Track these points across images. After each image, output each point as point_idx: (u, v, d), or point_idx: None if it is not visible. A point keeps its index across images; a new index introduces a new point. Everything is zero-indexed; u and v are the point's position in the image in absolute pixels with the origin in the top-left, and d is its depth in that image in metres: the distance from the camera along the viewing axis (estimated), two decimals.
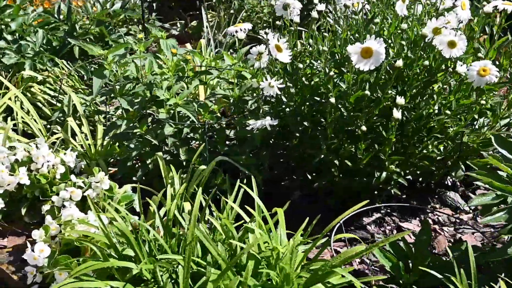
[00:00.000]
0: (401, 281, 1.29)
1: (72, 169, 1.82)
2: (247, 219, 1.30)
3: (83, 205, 1.64)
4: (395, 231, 1.76)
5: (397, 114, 1.43)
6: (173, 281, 1.14)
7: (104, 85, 1.88)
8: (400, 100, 1.42)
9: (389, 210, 1.85)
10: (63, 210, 1.46)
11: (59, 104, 2.55)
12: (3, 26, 2.90)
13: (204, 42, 3.04)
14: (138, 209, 1.63)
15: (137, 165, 1.96)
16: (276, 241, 1.24)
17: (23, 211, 1.73)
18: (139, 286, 1.16)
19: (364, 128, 1.50)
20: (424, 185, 1.93)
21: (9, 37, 2.83)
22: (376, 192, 1.83)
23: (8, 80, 2.70)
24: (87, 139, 2.15)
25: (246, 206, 1.36)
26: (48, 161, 1.73)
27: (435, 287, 1.24)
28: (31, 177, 1.69)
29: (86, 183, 1.61)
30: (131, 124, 1.72)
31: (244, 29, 2.05)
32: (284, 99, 1.69)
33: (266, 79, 1.57)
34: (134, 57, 1.80)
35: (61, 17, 3.21)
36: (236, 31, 2.06)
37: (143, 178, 1.85)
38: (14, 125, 2.38)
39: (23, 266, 1.57)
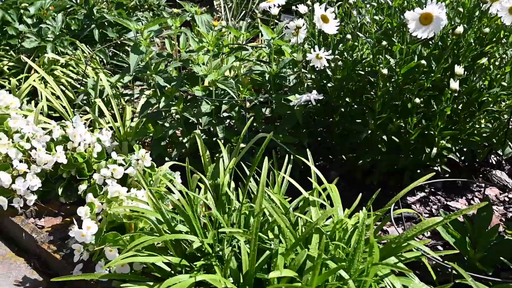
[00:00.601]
0: (465, 257, 1.24)
1: (106, 148, 1.77)
2: (305, 192, 1.25)
3: (122, 183, 1.59)
4: (441, 210, 1.71)
5: (454, 85, 1.37)
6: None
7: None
8: (459, 70, 1.36)
9: (433, 189, 1.79)
10: (110, 187, 1.41)
11: (82, 88, 2.49)
12: (22, 11, 2.83)
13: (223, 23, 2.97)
14: (178, 187, 1.58)
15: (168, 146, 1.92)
16: (336, 213, 1.18)
17: (60, 191, 1.68)
18: (198, 261, 1.11)
19: (417, 100, 1.44)
20: (468, 164, 1.87)
21: (29, 21, 2.77)
22: (418, 171, 1.77)
23: (30, 64, 2.64)
24: (115, 121, 2.09)
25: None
26: (84, 140, 1.68)
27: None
28: (68, 156, 1.64)
29: (127, 161, 1.56)
30: (170, 102, 1.66)
31: (278, 4, 1.99)
32: (330, 73, 1.63)
33: (315, 50, 1.51)
34: (170, 33, 1.74)
35: (78, 1, 3.15)
36: (270, 7, 2.00)
37: (177, 158, 1.80)
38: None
39: (64, 245, 1.53)
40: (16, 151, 1.61)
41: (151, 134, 1.88)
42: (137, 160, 1.53)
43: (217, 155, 1.81)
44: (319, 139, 1.90)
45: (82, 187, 1.66)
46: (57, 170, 1.68)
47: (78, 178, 1.68)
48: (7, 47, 2.77)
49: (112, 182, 1.49)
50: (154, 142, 1.86)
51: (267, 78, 1.84)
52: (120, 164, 1.55)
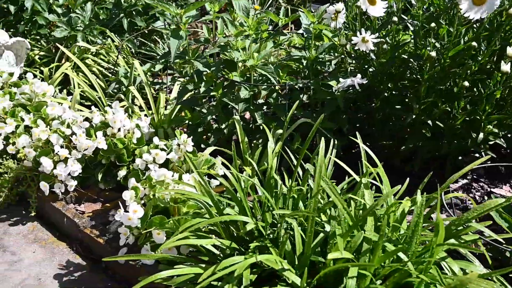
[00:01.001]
0: None
1: (144, 135, 1.77)
2: (355, 175, 1.23)
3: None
4: (485, 197, 1.67)
5: (505, 67, 1.33)
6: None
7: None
8: (511, 51, 1.32)
9: (475, 176, 1.75)
10: (153, 172, 1.41)
11: (113, 76, 2.50)
12: (51, 0, 2.84)
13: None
14: (221, 172, 1.57)
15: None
16: (390, 196, 1.16)
17: (99, 176, 1.68)
18: (248, 244, 1.10)
19: (466, 83, 1.40)
20: (510, 150, 1.83)
21: (59, 10, 2.78)
22: (460, 157, 1.74)
23: (60, 53, 2.66)
24: (149, 108, 2.10)
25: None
26: (124, 126, 1.68)
27: None
28: (107, 141, 1.64)
29: (168, 146, 1.56)
30: (209, 87, 1.65)
31: None
32: (373, 56, 1.60)
33: (360, 33, 1.48)
34: (208, 18, 1.72)
35: None
36: None
37: (215, 144, 1.79)
38: (70, 95, 2.34)
39: (106, 230, 1.53)
40: (57, 136, 1.62)
41: (187, 121, 1.87)
42: (179, 145, 1.52)
43: (254, 141, 1.81)
44: (357, 125, 1.87)
45: (122, 172, 1.67)
46: (96, 156, 1.68)
47: (117, 164, 1.68)
48: (38, 37, 2.79)
49: (155, 167, 1.49)
50: (190, 129, 1.85)
51: (304, 64, 1.82)
52: (162, 149, 1.54)
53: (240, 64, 1.76)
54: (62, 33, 2.65)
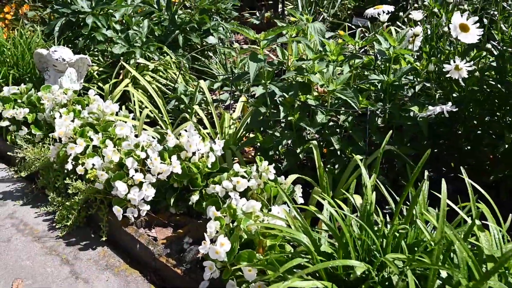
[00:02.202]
0: None
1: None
2: (463, 215, 1.14)
3: (241, 196, 1.53)
4: None
5: None
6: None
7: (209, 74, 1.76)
8: None
9: None
10: (235, 200, 1.35)
11: (172, 93, 2.48)
12: (107, 17, 2.85)
13: None
14: (300, 201, 1.51)
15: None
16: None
17: (171, 201, 1.64)
18: (358, 286, 1.02)
19: None
20: None
21: (117, 27, 2.79)
22: None
23: (118, 71, 2.66)
24: (213, 126, 2.06)
25: None
26: (198, 150, 1.63)
27: None
28: (182, 165, 1.60)
29: (248, 173, 1.50)
30: (288, 112, 1.60)
31: (388, 11, 1.89)
32: (462, 83, 1.52)
33: (454, 61, 1.40)
34: (284, 41, 1.67)
35: (160, 7, 3.16)
36: (378, 14, 1.91)
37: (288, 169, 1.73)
38: (130, 112, 2.32)
39: (181, 259, 1.48)
40: (132, 160, 1.59)
41: (258, 144, 1.81)
42: (258, 171, 1.47)
43: (328, 166, 1.73)
44: (435, 150, 1.78)
45: (194, 197, 1.62)
46: (167, 180, 1.64)
47: (191, 188, 1.64)
48: (96, 53, 2.81)
49: (235, 195, 1.44)
50: (262, 152, 1.80)
51: (379, 87, 1.75)
52: (243, 176, 1.49)
53: (316, 88, 1.70)
54: (121, 50, 2.65)
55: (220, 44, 3.10)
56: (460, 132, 1.61)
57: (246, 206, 1.28)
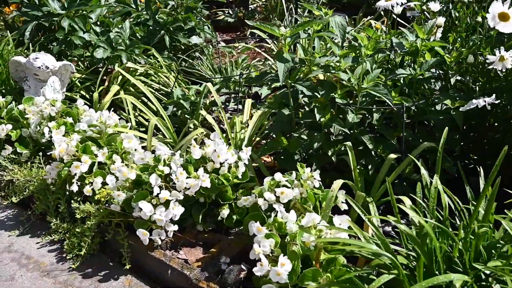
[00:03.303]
0: None
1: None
2: None
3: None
4: None
5: None
6: None
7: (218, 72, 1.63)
8: None
9: None
10: (280, 212, 1.23)
11: (168, 99, 2.30)
12: (84, 19, 2.62)
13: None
14: (344, 207, 1.40)
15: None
16: None
17: (199, 217, 1.49)
18: None
19: None
20: None
21: (97, 29, 2.57)
22: None
23: (102, 77, 2.44)
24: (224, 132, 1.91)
25: None
26: (226, 160, 1.49)
27: None
28: (210, 178, 1.45)
29: (290, 182, 1.38)
30: (323, 113, 1.48)
31: (401, 2, 1.82)
32: (500, 74, 1.46)
33: (500, 52, 1.34)
34: (307, 37, 1.55)
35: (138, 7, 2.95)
36: (392, 6, 1.83)
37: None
38: (127, 121, 2.13)
39: (223, 282, 1.34)
40: (156, 176, 1.42)
41: (280, 148, 1.69)
42: (304, 180, 1.35)
43: (358, 167, 1.64)
44: (462, 144, 1.73)
45: (225, 212, 1.48)
46: (193, 195, 1.49)
47: (220, 202, 1.49)
48: (75, 58, 2.57)
49: (280, 207, 1.31)
50: (285, 156, 1.68)
51: (401, 81, 1.68)
52: (285, 186, 1.36)
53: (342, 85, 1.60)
54: (104, 54, 2.44)
55: (210, 44, 2.95)
56: (488, 124, 1.56)
57: (306, 221, 1.16)
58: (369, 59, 1.49)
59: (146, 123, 2.32)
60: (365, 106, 1.57)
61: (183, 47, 3.00)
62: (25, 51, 2.40)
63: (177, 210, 1.41)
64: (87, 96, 2.49)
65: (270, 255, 1.20)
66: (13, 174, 1.83)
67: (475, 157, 1.71)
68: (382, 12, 3.53)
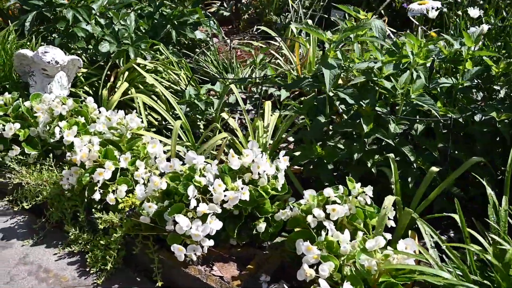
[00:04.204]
0: None
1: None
2: None
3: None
4: None
5: None
6: None
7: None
8: None
9: None
10: (329, 232, 1.17)
11: (181, 98, 2.19)
12: (89, 10, 2.45)
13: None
14: (391, 223, 1.34)
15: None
16: None
17: (234, 231, 1.40)
18: None
19: None
20: None
21: (101, 21, 2.42)
22: None
23: (108, 71, 2.30)
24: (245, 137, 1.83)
25: None
26: (264, 171, 1.41)
27: None
28: (249, 191, 1.37)
29: (341, 197, 1.30)
30: (370, 123, 1.42)
31: (436, 7, 1.77)
32: None
33: None
34: (349, 42, 1.48)
35: None
36: (427, 10, 1.78)
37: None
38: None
39: None
40: (193, 188, 1.32)
41: (314, 158, 1.62)
42: (354, 196, 1.28)
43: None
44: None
45: (262, 226, 1.40)
46: (231, 208, 1.40)
47: (258, 215, 1.41)
48: (78, 52, 2.41)
49: (330, 225, 1.24)
50: (316, 165, 1.60)
51: (439, 91, 1.63)
52: (334, 202, 1.29)
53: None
54: (111, 47, 2.30)
55: (223, 41, 2.84)
56: None
57: (372, 244, 1.09)
58: (420, 68, 1.42)
59: (156, 123, 2.21)
60: (407, 117, 1.51)
61: (187, 42, 2.88)
62: (27, 43, 2.24)
63: (215, 225, 1.32)
64: (91, 92, 2.35)
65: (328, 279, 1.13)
66: (22, 177, 1.69)
67: None
68: (382, 11, 3.50)
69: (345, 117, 1.55)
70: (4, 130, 1.77)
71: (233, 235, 1.40)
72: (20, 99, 1.89)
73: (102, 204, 1.53)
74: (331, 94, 1.47)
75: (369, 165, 1.51)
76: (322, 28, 3.05)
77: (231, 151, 1.39)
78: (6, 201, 1.73)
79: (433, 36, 1.50)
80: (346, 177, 1.38)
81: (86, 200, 1.55)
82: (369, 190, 1.29)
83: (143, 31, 2.63)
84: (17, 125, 1.78)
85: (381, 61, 1.48)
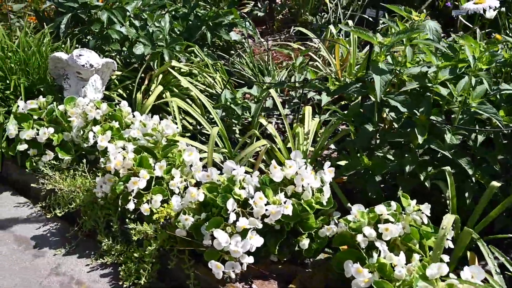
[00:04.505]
0: None
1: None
2: None
3: None
4: None
5: None
6: None
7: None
8: None
9: None
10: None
11: (216, 102, 2.11)
12: (123, 12, 2.41)
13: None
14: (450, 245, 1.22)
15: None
16: None
17: (275, 248, 1.31)
18: None
19: None
20: None
21: (136, 23, 2.37)
22: None
23: (142, 73, 2.25)
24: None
25: None
26: (308, 183, 1.31)
27: None
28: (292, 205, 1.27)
29: (394, 215, 1.19)
30: (425, 133, 1.30)
31: (495, 6, 1.63)
32: None
33: None
34: (399, 45, 1.36)
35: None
36: (484, 9, 1.64)
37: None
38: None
39: None
40: (233, 201, 1.24)
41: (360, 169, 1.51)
42: (408, 214, 1.17)
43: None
44: None
45: (305, 242, 1.30)
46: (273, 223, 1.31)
47: (301, 231, 1.32)
48: (113, 54, 2.38)
49: (382, 245, 1.13)
50: (362, 176, 1.49)
51: (499, 97, 1.49)
52: (387, 220, 1.18)
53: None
54: (145, 50, 2.25)
55: (260, 43, 2.75)
56: None
57: (433, 272, 0.98)
58: (483, 73, 1.29)
59: (191, 127, 2.14)
60: (465, 126, 1.38)
61: (221, 44, 2.81)
62: (62, 45, 2.21)
63: (256, 241, 1.23)
64: (124, 95, 2.31)
65: None
66: (55, 183, 1.65)
67: None
68: (424, 10, 3.33)
69: (396, 125, 1.43)
70: (38, 134, 1.73)
71: (274, 251, 1.31)
72: (54, 102, 1.85)
73: (136, 214, 1.47)
74: (379, 100, 1.36)
75: (421, 178, 1.39)
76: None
77: (273, 162, 1.30)
78: (39, 207, 1.69)
79: (498, 38, 1.37)
80: (398, 191, 1.27)
81: (119, 209, 1.49)
82: (426, 208, 1.17)
83: (178, 32, 2.57)
84: (51, 130, 1.74)
85: (436, 65, 1.36)
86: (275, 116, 2.21)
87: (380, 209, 1.17)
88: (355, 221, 1.19)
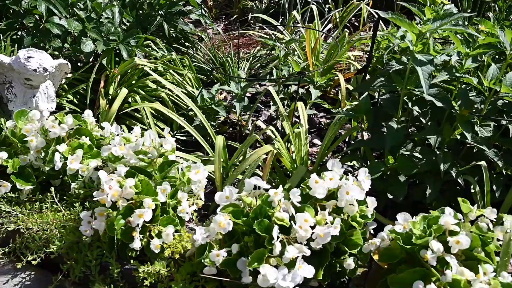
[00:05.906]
0: None
1: None
2: None
3: None
4: None
5: None
6: None
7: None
8: None
9: None
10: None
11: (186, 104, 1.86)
12: (65, 2, 2.03)
13: None
14: None
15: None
16: None
17: (321, 272, 1.14)
18: None
19: None
20: None
21: (81, 14, 2.00)
22: None
23: (97, 72, 1.92)
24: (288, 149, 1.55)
25: None
26: (352, 196, 1.15)
27: None
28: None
29: (458, 225, 1.07)
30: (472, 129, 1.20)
31: None
32: None
33: None
34: (457, 29, 1.23)
35: None
36: None
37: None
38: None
39: None
40: (277, 228, 1.04)
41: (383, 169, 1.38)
42: (470, 221, 1.06)
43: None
44: None
45: (350, 262, 1.15)
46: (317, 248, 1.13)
47: (347, 250, 1.16)
48: (55, 53, 1.99)
49: (452, 260, 1.01)
50: (392, 179, 1.37)
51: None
52: (451, 232, 1.05)
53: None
54: (98, 46, 1.91)
55: (235, 32, 2.50)
56: None
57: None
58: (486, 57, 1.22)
59: (163, 134, 1.87)
60: (495, 117, 1.31)
61: (174, 35, 2.52)
62: None
63: (305, 271, 1.05)
64: (75, 101, 1.96)
65: None
66: (20, 221, 1.32)
67: None
68: None
69: (423, 121, 1.32)
70: None
71: (319, 276, 1.14)
72: (1, 119, 1.49)
73: (138, 251, 1.21)
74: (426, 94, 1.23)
75: (453, 174, 1.30)
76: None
77: (314, 176, 1.11)
78: (0, 254, 1.34)
79: None
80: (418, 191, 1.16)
81: (116, 246, 1.22)
82: (491, 213, 1.07)
83: (127, 24, 2.25)
84: (4, 154, 1.39)
85: (465, 53, 1.26)
86: (262, 113, 2.01)
87: (446, 220, 1.04)
88: (417, 234, 1.06)
